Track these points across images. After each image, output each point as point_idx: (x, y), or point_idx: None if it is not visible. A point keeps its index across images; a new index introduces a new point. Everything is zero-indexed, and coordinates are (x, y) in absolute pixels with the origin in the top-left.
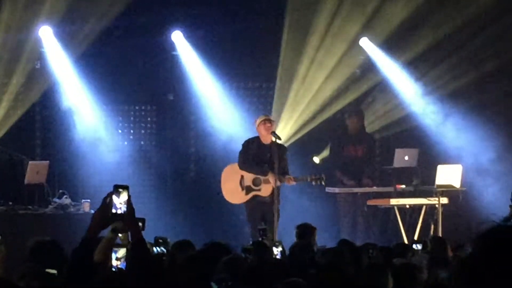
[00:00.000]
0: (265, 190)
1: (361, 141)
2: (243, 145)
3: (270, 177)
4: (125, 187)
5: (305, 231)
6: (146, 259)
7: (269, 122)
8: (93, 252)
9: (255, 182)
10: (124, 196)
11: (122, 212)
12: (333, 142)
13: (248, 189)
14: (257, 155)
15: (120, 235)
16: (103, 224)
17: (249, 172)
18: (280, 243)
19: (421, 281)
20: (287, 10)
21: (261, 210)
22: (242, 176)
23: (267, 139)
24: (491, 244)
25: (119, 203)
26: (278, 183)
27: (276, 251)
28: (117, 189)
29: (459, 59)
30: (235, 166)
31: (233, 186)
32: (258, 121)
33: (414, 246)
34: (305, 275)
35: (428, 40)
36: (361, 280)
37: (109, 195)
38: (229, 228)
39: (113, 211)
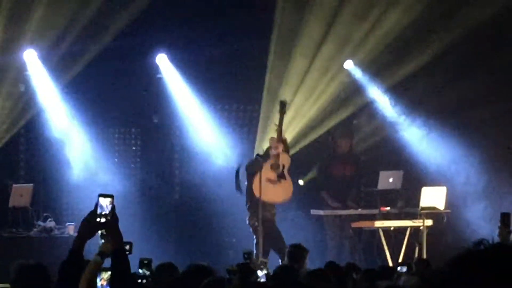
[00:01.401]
0: (284, 160)
1: (350, 160)
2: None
3: (274, 147)
4: (110, 196)
5: (297, 253)
6: (127, 269)
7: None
8: (81, 265)
9: (275, 166)
10: (108, 203)
11: (107, 213)
12: (321, 162)
13: (280, 176)
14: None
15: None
16: (90, 232)
17: (263, 165)
18: (265, 266)
19: None
20: (272, 33)
21: (266, 228)
22: (268, 179)
23: None
24: (457, 272)
25: (104, 209)
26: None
27: (261, 273)
28: (101, 197)
29: (442, 83)
30: (255, 183)
31: (271, 190)
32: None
33: (399, 268)
34: None
35: (412, 63)
36: None
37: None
38: (213, 250)
39: (99, 211)
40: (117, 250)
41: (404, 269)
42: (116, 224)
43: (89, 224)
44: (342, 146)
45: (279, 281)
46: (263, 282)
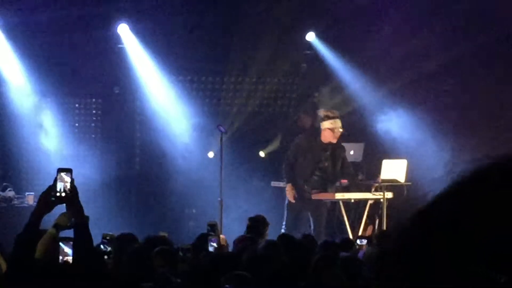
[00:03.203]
0: None
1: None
2: None
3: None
4: (69, 170)
5: (257, 225)
6: (89, 242)
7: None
8: (37, 240)
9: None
10: (67, 178)
11: (67, 190)
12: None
13: None
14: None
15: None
16: (48, 206)
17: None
18: (216, 236)
19: (367, 275)
20: (238, 3)
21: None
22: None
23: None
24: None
25: (64, 183)
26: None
27: (211, 245)
28: (60, 172)
29: (406, 54)
30: None
31: None
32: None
33: (358, 240)
34: (249, 268)
35: (375, 35)
36: (310, 272)
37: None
38: (173, 222)
39: (58, 188)
40: (78, 223)
41: (364, 241)
42: (77, 198)
43: (48, 199)
44: (303, 121)
45: (240, 253)
46: (213, 253)
